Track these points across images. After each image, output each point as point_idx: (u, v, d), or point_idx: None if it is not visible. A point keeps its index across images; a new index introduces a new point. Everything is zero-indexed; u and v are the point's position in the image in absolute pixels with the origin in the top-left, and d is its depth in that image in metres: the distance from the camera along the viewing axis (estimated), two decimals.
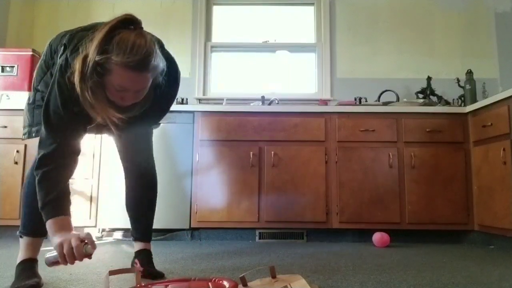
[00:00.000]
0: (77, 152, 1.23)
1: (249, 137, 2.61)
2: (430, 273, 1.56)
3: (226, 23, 3.48)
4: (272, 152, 2.59)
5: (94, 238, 1.06)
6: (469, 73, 2.91)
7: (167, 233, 2.58)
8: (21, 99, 2.72)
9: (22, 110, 2.76)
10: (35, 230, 1.33)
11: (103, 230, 2.57)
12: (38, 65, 1.41)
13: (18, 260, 1.33)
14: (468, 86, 2.88)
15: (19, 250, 1.35)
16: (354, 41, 3.33)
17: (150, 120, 1.42)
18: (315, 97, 3.26)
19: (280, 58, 3.42)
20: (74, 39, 1.22)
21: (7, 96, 2.73)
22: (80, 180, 2.57)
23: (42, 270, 1.53)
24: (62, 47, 1.24)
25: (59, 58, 1.23)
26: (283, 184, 2.57)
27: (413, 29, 3.33)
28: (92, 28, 1.20)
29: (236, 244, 2.41)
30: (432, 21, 3.33)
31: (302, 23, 3.47)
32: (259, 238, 2.60)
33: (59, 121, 1.19)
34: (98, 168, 2.59)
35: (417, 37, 3.31)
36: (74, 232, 1.08)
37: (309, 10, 3.48)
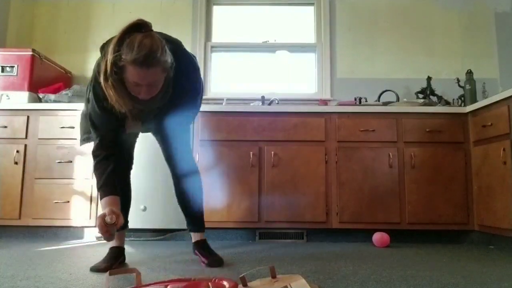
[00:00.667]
0: (117, 143, 1.47)
1: (249, 137, 2.61)
2: (430, 273, 1.56)
3: (226, 23, 3.48)
4: (272, 152, 2.59)
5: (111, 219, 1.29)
6: (469, 73, 2.91)
7: (167, 233, 2.58)
8: (21, 99, 2.73)
9: (22, 110, 2.77)
10: None
11: None
12: (90, 80, 1.59)
13: (110, 245, 1.69)
14: (468, 86, 2.88)
15: None
16: (354, 41, 3.33)
17: (173, 113, 1.57)
18: (315, 97, 3.26)
19: (280, 58, 3.42)
20: (105, 46, 1.38)
21: (7, 96, 2.73)
22: (80, 180, 2.57)
23: (44, 269, 1.54)
24: (101, 58, 1.43)
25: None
26: (283, 184, 2.57)
27: (413, 29, 3.33)
28: None
29: (236, 244, 2.41)
30: (432, 21, 3.33)
31: (302, 23, 3.47)
32: (259, 238, 2.60)
33: (97, 118, 1.43)
34: None
35: (417, 37, 3.31)
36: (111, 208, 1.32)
37: (309, 10, 3.48)
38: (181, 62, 1.44)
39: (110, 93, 1.30)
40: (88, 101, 1.57)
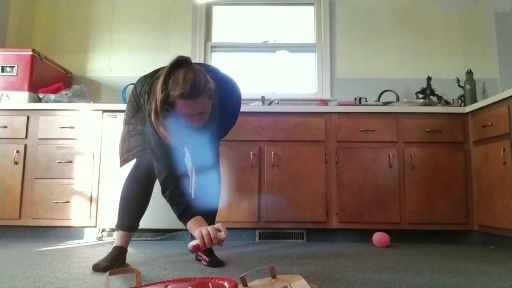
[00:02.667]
0: (184, 169, 1.52)
1: (249, 137, 2.61)
2: (430, 273, 1.56)
3: (226, 23, 3.48)
4: (272, 152, 2.59)
5: (222, 229, 1.32)
6: (469, 73, 2.91)
7: (167, 233, 2.58)
8: (21, 99, 2.73)
9: (22, 110, 2.77)
10: (127, 227, 1.72)
11: (103, 230, 2.57)
12: (129, 104, 1.75)
13: (114, 244, 1.72)
14: (468, 86, 2.88)
15: (116, 237, 1.74)
16: (354, 41, 3.33)
17: (222, 130, 1.72)
18: (315, 97, 3.26)
19: (280, 58, 3.42)
20: (152, 88, 1.51)
21: (7, 96, 2.73)
22: (80, 180, 2.57)
23: (44, 269, 1.54)
24: (147, 95, 1.57)
25: (147, 104, 1.55)
26: (283, 184, 2.57)
27: (413, 29, 3.33)
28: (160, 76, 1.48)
29: (236, 244, 2.41)
30: (432, 21, 3.33)
31: (302, 23, 3.47)
32: (259, 238, 2.60)
33: (160, 152, 1.49)
34: (98, 168, 2.59)
35: (417, 37, 3.31)
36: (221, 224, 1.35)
37: (309, 10, 3.48)
38: (221, 86, 1.56)
39: (161, 130, 1.39)
40: (128, 124, 1.72)
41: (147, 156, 1.64)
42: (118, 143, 1.80)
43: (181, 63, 1.39)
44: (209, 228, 1.32)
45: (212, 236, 1.29)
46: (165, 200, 1.48)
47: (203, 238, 1.30)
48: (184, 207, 1.43)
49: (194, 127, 1.45)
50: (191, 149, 1.79)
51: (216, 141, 1.75)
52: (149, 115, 1.45)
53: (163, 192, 1.48)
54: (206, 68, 1.56)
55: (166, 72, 1.37)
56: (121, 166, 1.76)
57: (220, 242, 1.31)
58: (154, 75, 1.62)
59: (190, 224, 1.41)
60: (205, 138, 1.63)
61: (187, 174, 1.53)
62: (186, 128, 1.45)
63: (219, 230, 1.31)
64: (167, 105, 1.36)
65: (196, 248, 1.34)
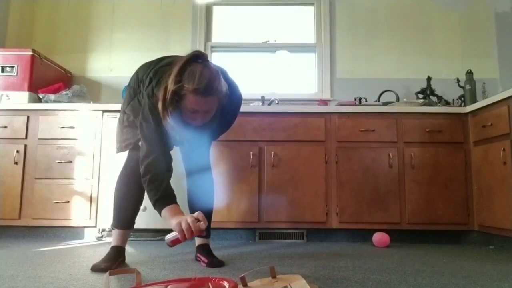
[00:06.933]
0: (169, 161, 1.48)
1: (249, 137, 2.61)
2: (430, 273, 1.56)
3: (226, 23, 3.48)
4: (272, 152, 2.59)
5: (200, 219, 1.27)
6: (469, 73, 2.91)
7: (167, 233, 2.57)
8: (21, 99, 2.73)
9: (22, 110, 2.78)
10: (122, 225, 1.70)
11: (103, 230, 2.57)
12: (127, 91, 1.72)
13: (111, 244, 1.71)
14: (468, 86, 2.88)
15: (112, 237, 1.72)
16: (354, 41, 3.33)
17: (214, 134, 1.73)
18: (315, 97, 3.26)
19: (280, 58, 3.42)
20: (158, 73, 1.51)
21: (7, 96, 2.73)
22: (80, 180, 2.57)
23: (44, 269, 1.54)
24: (148, 80, 1.54)
25: (146, 89, 1.53)
26: (283, 184, 2.57)
27: (413, 29, 3.33)
28: (170, 64, 1.50)
29: (236, 244, 2.41)
30: (432, 21, 3.33)
31: (302, 23, 3.48)
32: (259, 238, 2.60)
33: (152, 137, 1.46)
34: (98, 168, 2.59)
35: (417, 37, 3.31)
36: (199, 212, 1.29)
37: (309, 10, 3.48)
38: (233, 93, 1.60)
39: (167, 119, 1.38)
40: (124, 113, 1.71)
41: (137, 152, 1.61)
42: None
43: (198, 58, 1.40)
44: (189, 219, 1.24)
45: (193, 228, 1.23)
46: (144, 185, 1.43)
47: (183, 231, 1.23)
48: (162, 194, 1.37)
49: (194, 124, 1.45)
50: (183, 149, 1.79)
51: (209, 143, 1.77)
52: (151, 99, 1.46)
53: (143, 176, 1.41)
54: (220, 70, 1.56)
55: (182, 63, 1.36)
56: (117, 152, 1.78)
57: (201, 232, 1.25)
58: (159, 62, 1.61)
59: (166, 212, 1.34)
60: (199, 138, 1.62)
61: (171, 167, 1.47)
62: (186, 123, 1.45)
63: (198, 220, 1.25)
64: (177, 96, 1.36)
65: (175, 242, 1.28)
